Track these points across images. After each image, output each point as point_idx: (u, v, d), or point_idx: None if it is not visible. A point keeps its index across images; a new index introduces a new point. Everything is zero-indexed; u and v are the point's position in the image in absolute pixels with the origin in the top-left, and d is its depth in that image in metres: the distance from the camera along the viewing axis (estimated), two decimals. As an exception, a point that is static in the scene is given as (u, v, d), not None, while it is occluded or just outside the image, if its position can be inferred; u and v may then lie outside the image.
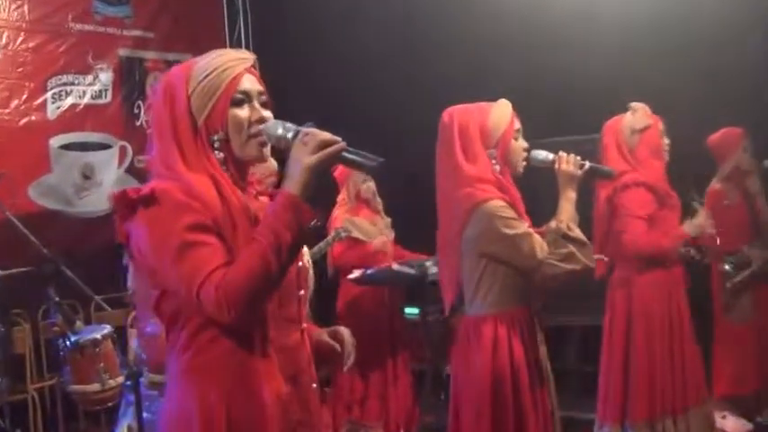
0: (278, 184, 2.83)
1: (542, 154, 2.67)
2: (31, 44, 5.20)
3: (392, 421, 4.40)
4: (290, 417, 1.77)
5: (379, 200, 4.60)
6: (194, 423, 1.59)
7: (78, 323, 3.68)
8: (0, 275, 3.97)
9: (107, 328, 3.79)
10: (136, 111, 5.74)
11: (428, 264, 4.07)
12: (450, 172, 2.61)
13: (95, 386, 3.61)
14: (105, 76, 5.57)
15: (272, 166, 2.86)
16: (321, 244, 4.30)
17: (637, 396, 3.33)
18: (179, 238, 1.54)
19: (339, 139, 1.59)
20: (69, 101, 5.37)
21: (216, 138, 1.66)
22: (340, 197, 4.56)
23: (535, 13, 4.97)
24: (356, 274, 4.29)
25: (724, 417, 3.77)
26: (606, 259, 3.13)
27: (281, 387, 1.73)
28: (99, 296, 3.67)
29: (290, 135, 1.62)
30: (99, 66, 5.53)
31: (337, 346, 2.23)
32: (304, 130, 1.61)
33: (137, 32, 5.79)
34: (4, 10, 5.09)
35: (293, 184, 1.57)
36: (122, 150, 5.63)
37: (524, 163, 2.65)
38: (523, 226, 2.53)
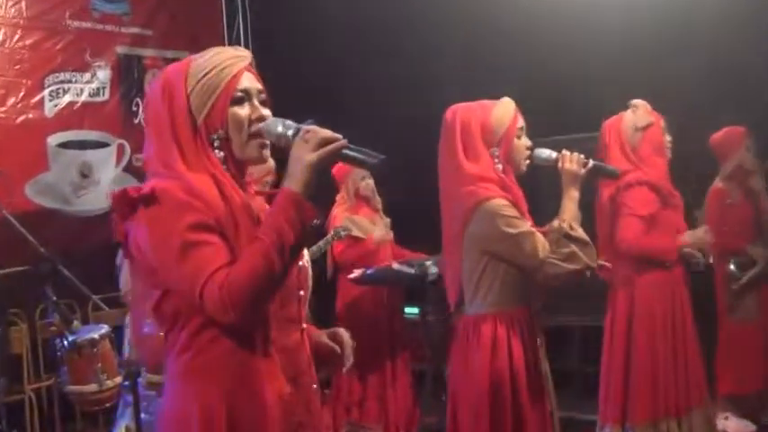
0: (275, 184, 2.82)
1: (545, 152, 2.66)
2: (28, 41, 5.17)
3: (392, 422, 4.39)
4: (291, 418, 1.77)
5: (378, 198, 4.59)
6: (193, 423, 1.58)
7: (76, 323, 3.66)
8: (-3, 275, 3.95)
9: (105, 328, 3.76)
10: (134, 109, 5.71)
11: (428, 263, 4.05)
12: (452, 170, 2.59)
13: (93, 386, 3.58)
14: (103, 74, 5.54)
15: (270, 165, 2.83)
16: (321, 243, 4.28)
17: (638, 397, 3.32)
18: (181, 237, 1.53)
19: (340, 136, 1.58)
20: (67, 99, 5.35)
21: (216, 136, 1.65)
22: (339, 195, 4.55)
23: (536, 12, 4.96)
24: (356, 273, 4.27)
25: (727, 417, 3.76)
26: (610, 265, 3.11)
27: (283, 388, 1.73)
28: (97, 296, 3.66)
29: (290, 133, 1.61)
30: (97, 63, 5.51)
31: (337, 347, 2.23)
32: (305, 127, 1.60)
33: (135, 30, 5.77)
34: (1, 7, 5.07)
35: (295, 183, 1.56)
36: (120, 149, 5.61)
37: (527, 161, 2.64)
38: (526, 225, 2.52)
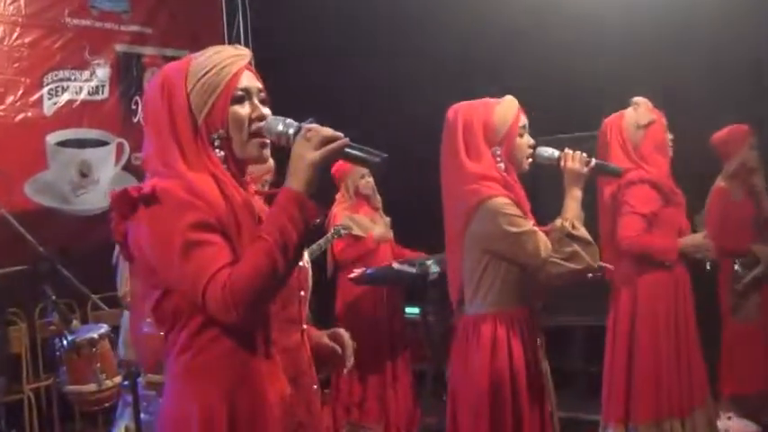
0: (274, 183, 2.80)
1: (548, 151, 2.64)
2: (27, 39, 5.15)
3: (392, 423, 4.39)
4: (292, 419, 1.77)
5: (378, 197, 4.58)
6: (193, 423, 1.58)
7: (75, 322, 3.67)
8: (-4, 274, 3.93)
9: (104, 328, 3.76)
10: (133, 107, 5.69)
11: (429, 262, 4.04)
12: (454, 169, 2.58)
13: (92, 386, 3.59)
14: (102, 72, 5.52)
15: (269, 165, 2.82)
16: (321, 241, 4.27)
17: (641, 396, 3.30)
18: (182, 237, 1.52)
19: (342, 135, 1.58)
20: (66, 97, 5.33)
21: (216, 136, 1.65)
22: (338, 194, 4.54)
23: (539, 11, 4.95)
24: (356, 273, 4.26)
25: (729, 418, 3.75)
26: (612, 267, 3.09)
27: (284, 389, 1.73)
28: (96, 295, 3.65)
29: (291, 131, 1.61)
30: (96, 61, 5.49)
31: (338, 348, 2.23)
32: (306, 126, 1.60)
33: (134, 28, 5.75)
34: (0, 4, 5.03)
35: (297, 181, 1.55)
36: (119, 147, 5.59)
37: (530, 160, 2.62)
38: (528, 224, 2.51)
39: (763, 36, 4.42)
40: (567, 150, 2.61)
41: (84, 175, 5.39)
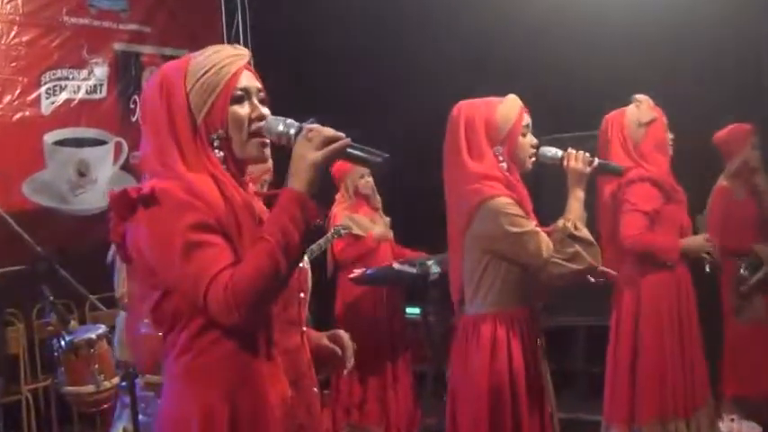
0: (273, 183, 2.79)
1: (551, 151, 2.64)
2: (24, 38, 5.12)
3: (393, 424, 4.38)
4: (293, 420, 1.76)
5: (378, 197, 4.57)
6: (193, 424, 1.57)
7: (73, 323, 3.65)
8: (-7, 274, 3.91)
9: (102, 328, 3.74)
10: (132, 106, 5.67)
11: (430, 263, 4.02)
12: (456, 168, 2.57)
13: (90, 387, 3.57)
14: (100, 71, 5.50)
15: (268, 165, 2.81)
16: (321, 241, 4.25)
17: (645, 396, 3.29)
18: (183, 238, 1.52)
19: (343, 135, 1.57)
20: (64, 96, 5.30)
21: (215, 136, 1.64)
22: (338, 194, 4.53)
23: (542, 10, 4.94)
24: (356, 273, 4.24)
25: (733, 419, 3.73)
26: (615, 273, 3.08)
27: (285, 390, 1.72)
28: (94, 295, 3.63)
29: (292, 131, 1.60)
30: (94, 60, 5.46)
31: (338, 349, 2.22)
32: (307, 126, 1.59)
33: (133, 26, 5.73)
34: (-2, 3, 5.02)
35: (298, 182, 1.55)
36: (118, 147, 5.57)
37: (532, 159, 2.62)
38: (530, 224, 2.50)
39: (763, 36, 4.41)
40: (570, 150, 2.61)
41: (82, 174, 5.37)
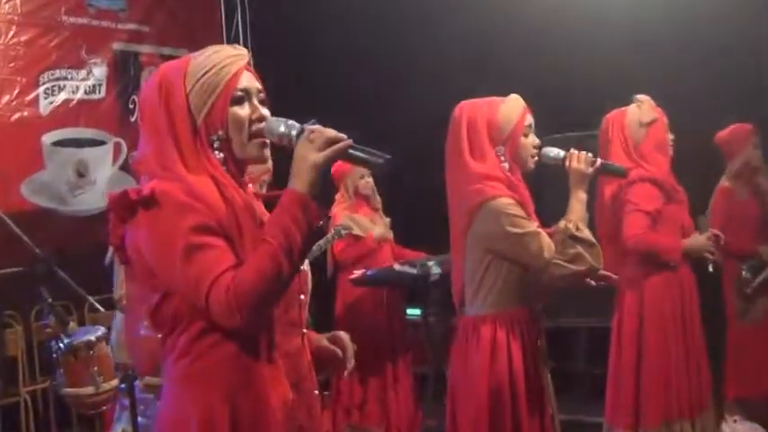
0: (272, 183, 2.78)
1: (554, 151, 2.63)
2: (23, 38, 5.11)
3: (393, 425, 4.37)
4: (293, 423, 1.75)
5: (378, 197, 4.56)
6: (193, 425, 1.56)
7: (72, 325, 3.63)
8: (-8, 275, 3.89)
9: (101, 330, 3.72)
10: (130, 106, 5.65)
11: (430, 263, 4.01)
12: (458, 168, 2.56)
13: (89, 389, 3.55)
14: (99, 71, 5.49)
15: (268, 165, 2.80)
16: (321, 242, 4.24)
17: (650, 398, 3.28)
18: (184, 240, 1.51)
19: (345, 136, 1.57)
20: (62, 96, 5.29)
21: (215, 137, 1.63)
22: (338, 194, 4.51)
23: (544, 10, 4.94)
24: (356, 274, 4.23)
25: (736, 421, 3.73)
26: (617, 277, 3.07)
27: (287, 393, 1.72)
28: (93, 297, 3.61)
29: (293, 132, 1.60)
30: (93, 60, 5.45)
31: (339, 351, 2.20)
32: (308, 127, 1.58)
33: (131, 26, 5.72)
34: (-4, 3, 5.01)
35: (300, 183, 1.54)
36: (117, 147, 5.56)
37: (535, 159, 2.61)
38: (532, 225, 2.49)
39: (763, 36, 4.41)
40: (572, 150, 2.60)
41: (81, 174, 5.35)
